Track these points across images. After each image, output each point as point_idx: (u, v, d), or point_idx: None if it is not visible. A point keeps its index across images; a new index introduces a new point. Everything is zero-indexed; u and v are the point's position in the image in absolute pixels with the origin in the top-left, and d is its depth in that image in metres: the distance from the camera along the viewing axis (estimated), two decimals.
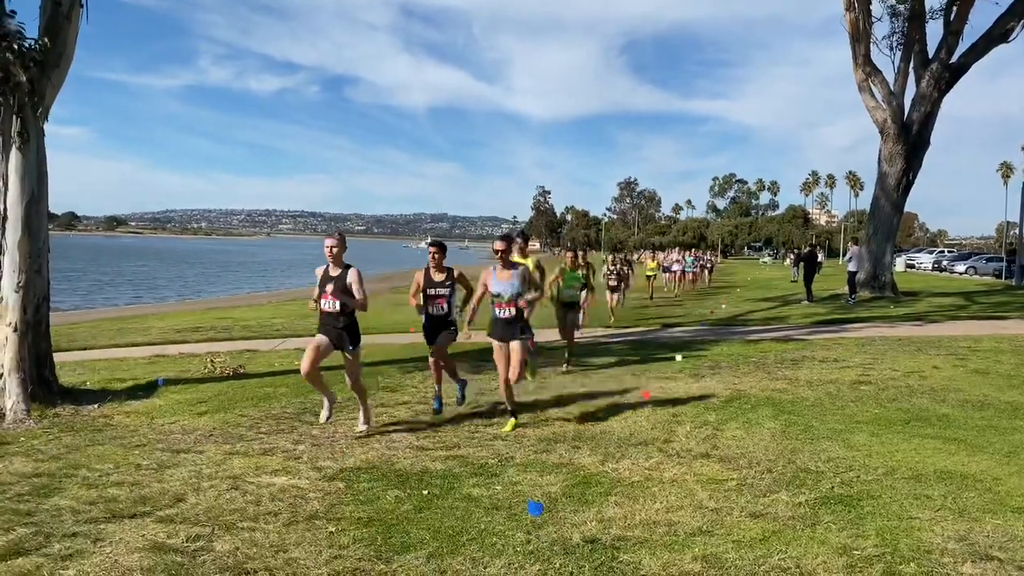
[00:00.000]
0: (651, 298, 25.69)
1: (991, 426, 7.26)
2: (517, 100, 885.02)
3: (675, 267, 29.29)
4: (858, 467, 5.92)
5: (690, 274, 31.39)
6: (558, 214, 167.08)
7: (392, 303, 23.82)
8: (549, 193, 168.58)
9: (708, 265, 37.82)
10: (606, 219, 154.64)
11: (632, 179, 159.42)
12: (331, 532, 4.71)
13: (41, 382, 8.57)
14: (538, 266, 10.17)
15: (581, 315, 12.49)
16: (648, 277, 27.65)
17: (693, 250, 41.61)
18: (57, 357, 9.42)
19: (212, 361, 10.78)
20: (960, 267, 47.62)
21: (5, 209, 8.47)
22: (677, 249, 35.07)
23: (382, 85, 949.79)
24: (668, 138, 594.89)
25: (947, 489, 5.36)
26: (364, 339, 7.34)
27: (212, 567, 4.19)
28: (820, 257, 46.59)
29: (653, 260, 30.24)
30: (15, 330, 8.35)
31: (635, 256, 59.72)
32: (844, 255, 28.30)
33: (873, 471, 5.81)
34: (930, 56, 23.86)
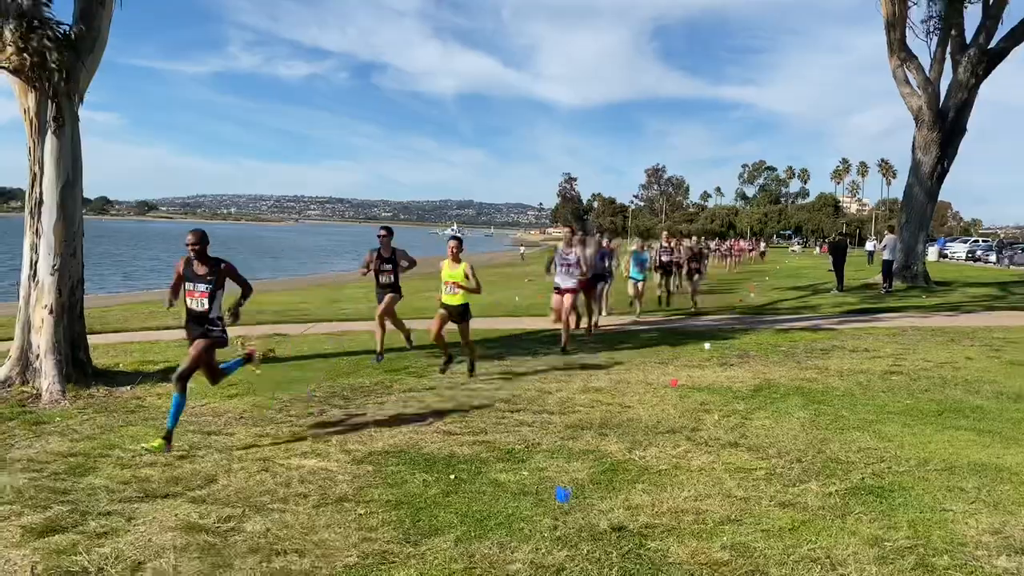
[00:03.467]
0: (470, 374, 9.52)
1: None
2: (545, 86, 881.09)
3: (568, 281, 11.49)
4: (889, 458, 5.84)
5: (635, 286, 15.77)
6: (584, 201, 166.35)
7: (417, 290, 23.89)
8: (575, 180, 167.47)
9: (694, 264, 18.60)
10: (633, 206, 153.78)
11: (660, 166, 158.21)
12: (360, 514, 4.75)
13: (76, 363, 8.72)
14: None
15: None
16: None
17: (649, 241, 23.42)
18: (91, 339, 9.58)
19: (242, 344, 10.89)
20: (994, 257, 46.64)
21: (41, 193, 8.61)
22: (588, 230, 11.74)
23: (410, 71, 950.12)
24: (697, 125, 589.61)
25: (981, 481, 5.28)
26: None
27: (243, 547, 4.25)
28: (870, 245, 45.71)
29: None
30: (51, 312, 8.50)
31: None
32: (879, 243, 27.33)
33: (905, 462, 5.73)
34: (968, 41, 23.32)
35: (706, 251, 32.14)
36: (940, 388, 8.49)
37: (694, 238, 23.70)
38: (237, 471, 5.63)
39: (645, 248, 17.85)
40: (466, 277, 8.99)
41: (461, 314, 9.14)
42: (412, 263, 10.61)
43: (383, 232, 10.35)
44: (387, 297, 10.29)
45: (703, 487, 5.21)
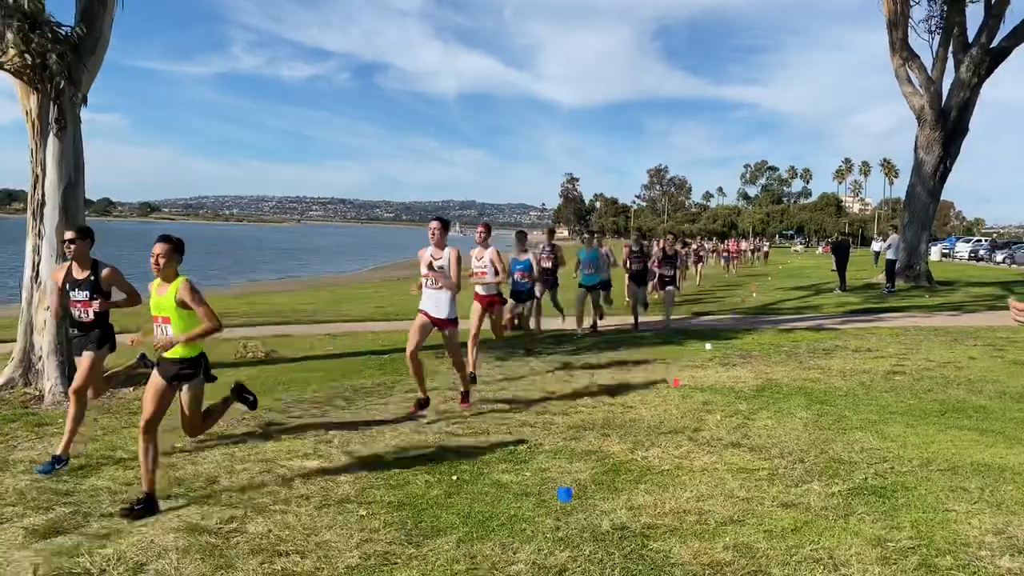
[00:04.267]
0: None
1: None
2: (547, 86, 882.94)
3: (427, 301, 7.42)
4: (892, 458, 5.83)
5: (584, 294, 13.06)
6: (587, 201, 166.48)
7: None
8: (577, 180, 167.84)
9: (667, 273, 14.54)
10: (635, 207, 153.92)
11: (662, 166, 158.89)
12: (362, 516, 4.75)
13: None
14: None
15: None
16: None
17: (603, 238, 17.18)
18: None
19: (245, 345, 10.90)
20: (997, 256, 46.67)
21: (43, 195, 8.61)
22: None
23: (412, 72, 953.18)
24: (699, 125, 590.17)
25: (984, 481, 5.27)
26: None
27: (245, 548, 4.25)
28: (876, 245, 45.13)
29: None
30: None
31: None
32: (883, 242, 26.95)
33: (908, 462, 5.72)
34: (970, 40, 23.28)
35: (701, 253, 30.48)
36: (943, 388, 8.47)
37: (670, 237, 17.01)
38: (239, 472, 5.63)
39: (596, 246, 13.77)
40: (180, 306, 4.96)
41: (183, 373, 5.11)
42: (129, 295, 6.24)
43: (70, 234, 6.03)
44: (85, 357, 6.01)
45: (705, 487, 5.21)
